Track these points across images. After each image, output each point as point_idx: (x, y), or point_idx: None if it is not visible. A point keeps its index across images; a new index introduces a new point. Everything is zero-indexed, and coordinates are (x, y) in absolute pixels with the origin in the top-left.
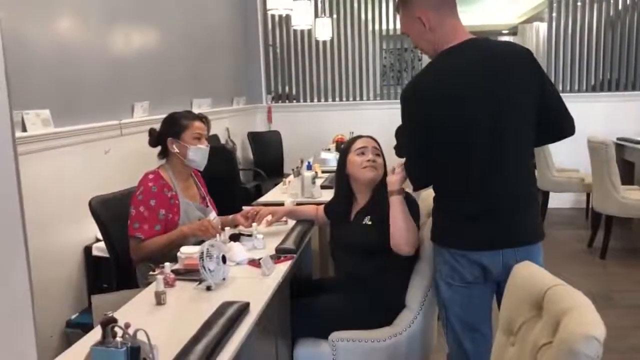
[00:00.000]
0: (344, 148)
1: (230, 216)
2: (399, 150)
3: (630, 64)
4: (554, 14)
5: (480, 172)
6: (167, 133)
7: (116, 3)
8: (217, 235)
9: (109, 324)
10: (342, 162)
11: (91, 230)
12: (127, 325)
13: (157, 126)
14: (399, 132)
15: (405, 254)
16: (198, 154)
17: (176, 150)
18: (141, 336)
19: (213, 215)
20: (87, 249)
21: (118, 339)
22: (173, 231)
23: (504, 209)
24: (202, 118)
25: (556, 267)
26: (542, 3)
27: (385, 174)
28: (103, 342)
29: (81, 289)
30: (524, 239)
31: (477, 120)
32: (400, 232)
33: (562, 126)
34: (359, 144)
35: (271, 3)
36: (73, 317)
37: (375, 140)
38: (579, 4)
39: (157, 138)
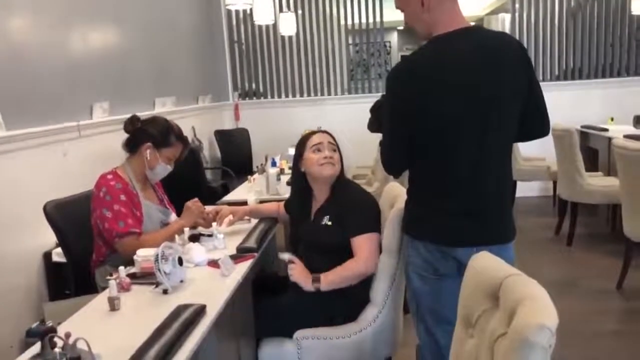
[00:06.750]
0: (298, 145)
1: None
2: (373, 126)
3: (592, 53)
4: (517, 5)
5: (466, 169)
6: (151, 137)
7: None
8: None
9: (47, 334)
10: (297, 159)
11: (50, 236)
12: (68, 335)
13: (119, 127)
14: (376, 107)
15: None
16: (163, 173)
17: (148, 157)
18: (81, 345)
19: (173, 216)
20: (47, 255)
21: (57, 349)
22: (171, 225)
23: (487, 207)
24: (186, 145)
25: (524, 255)
26: None
27: (342, 170)
28: (41, 354)
29: (42, 296)
30: (502, 238)
31: (462, 114)
32: (354, 280)
33: (539, 127)
34: (314, 140)
35: None
36: (34, 325)
37: (331, 135)
38: None
39: (136, 131)
